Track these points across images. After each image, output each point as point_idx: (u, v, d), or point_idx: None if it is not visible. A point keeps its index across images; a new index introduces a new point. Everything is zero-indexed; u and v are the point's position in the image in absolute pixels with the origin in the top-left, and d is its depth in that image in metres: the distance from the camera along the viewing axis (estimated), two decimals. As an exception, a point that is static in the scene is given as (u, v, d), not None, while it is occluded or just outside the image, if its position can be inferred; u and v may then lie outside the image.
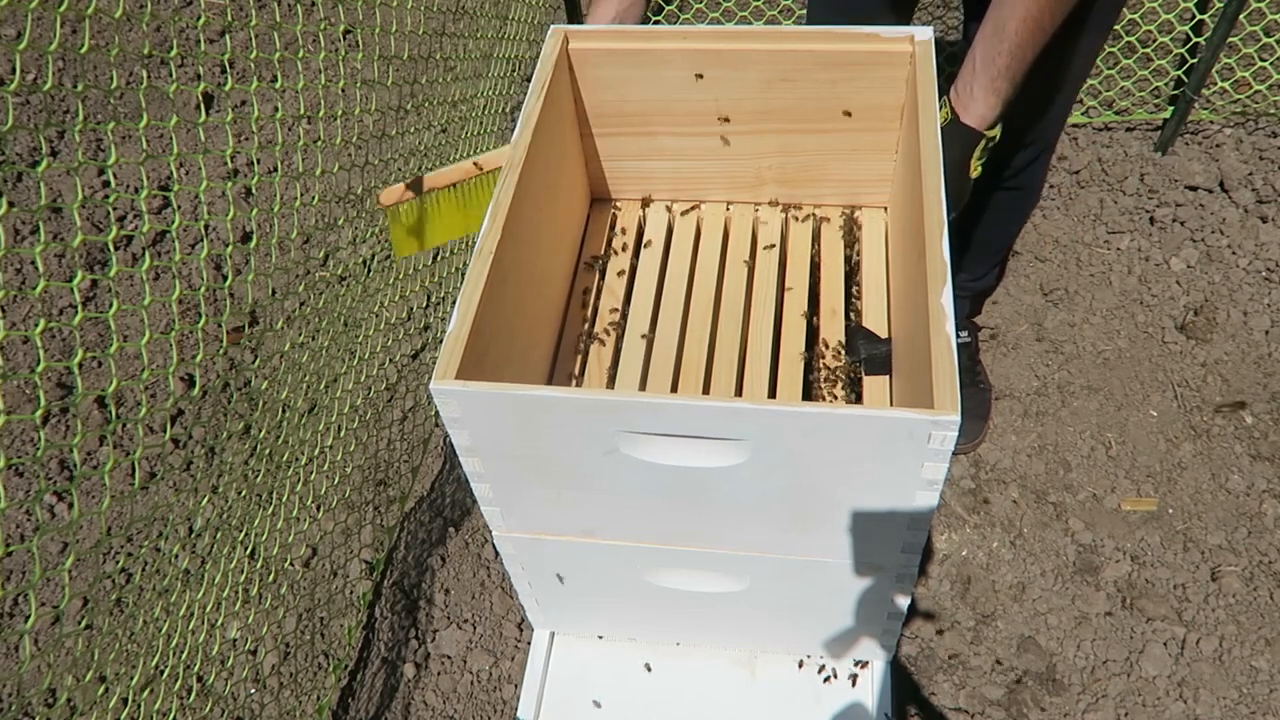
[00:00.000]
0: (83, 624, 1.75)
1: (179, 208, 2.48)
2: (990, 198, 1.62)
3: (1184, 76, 2.27)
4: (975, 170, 1.31)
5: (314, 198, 2.30)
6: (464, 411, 0.99)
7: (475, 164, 1.31)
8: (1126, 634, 1.62)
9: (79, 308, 2.16)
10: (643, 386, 1.27)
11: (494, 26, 2.35)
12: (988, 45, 1.22)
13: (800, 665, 1.47)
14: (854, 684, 1.45)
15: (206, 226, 2.37)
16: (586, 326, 1.37)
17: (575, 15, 2.47)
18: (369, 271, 2.19)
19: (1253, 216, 2.18)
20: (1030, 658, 1.61)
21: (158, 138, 2.63)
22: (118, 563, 1.83)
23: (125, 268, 2.28)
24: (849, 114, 1.31)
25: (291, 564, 1.76)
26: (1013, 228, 1.77)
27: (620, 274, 1.42)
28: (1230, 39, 2.23)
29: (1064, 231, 2.22)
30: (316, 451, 1.79)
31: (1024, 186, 1.62)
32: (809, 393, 1.27)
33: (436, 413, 2.01)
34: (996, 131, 1.30)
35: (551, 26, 1.28)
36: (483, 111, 2.32)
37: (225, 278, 2.26)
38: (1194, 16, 2.37)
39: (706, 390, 1.27)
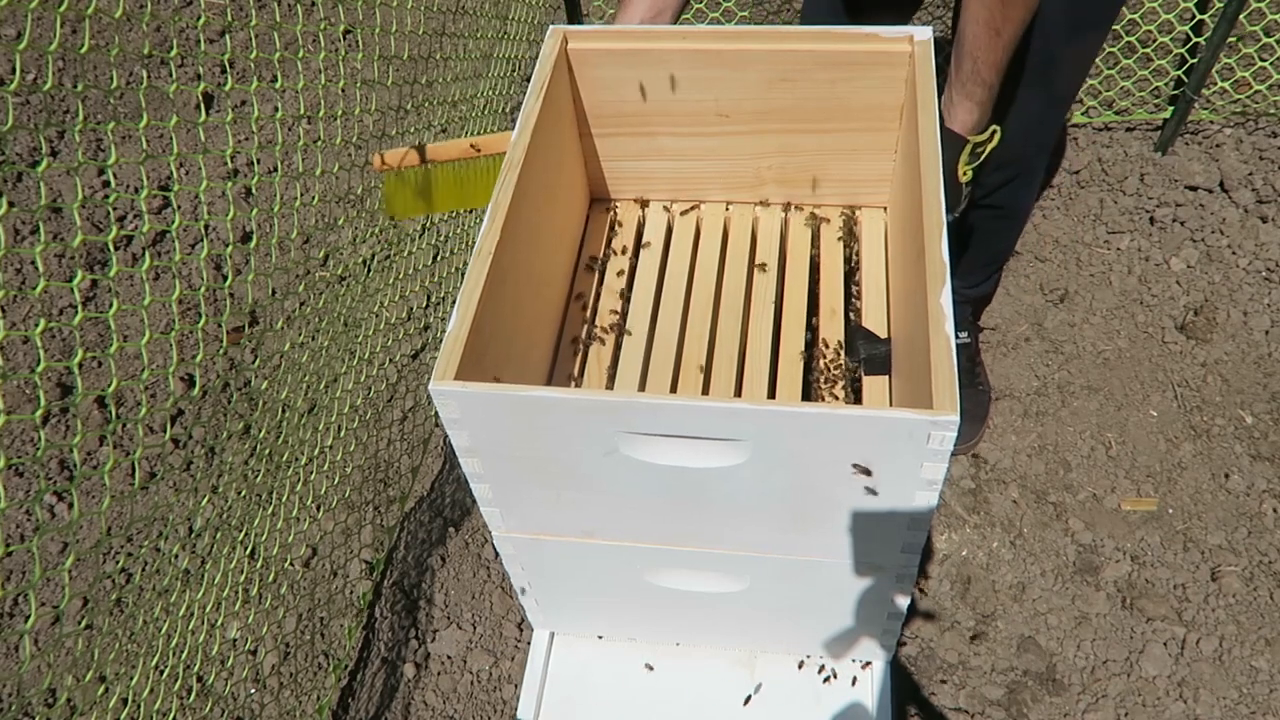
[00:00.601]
0: (83, 624, 1.75)
1: (179, 208, 2.48)
2: (969, 214, 1.62)
3: (1184, 76, 2.27)
4: (965, 175, 1.31)
5: (314, 198, 2.31)
6: (463, 412, 0.99)
7: (472, 145, 1.32)
8: (1126, 634, 1.62)
9: (79, 308, 2.16)
10: (642, 387, 1.27)
11: (494, 26, 2.35)
12: (956, 50, 1.23)
13: (800, 665, 1.47)
14: (854, 684, 1.45)
15: (206, 226, 2.37)
16: (586, 327, 1.37)
17: (575, 15, 2.47)
18: (369, 271, 2.19)
19: (1253, 216, 2.18)
20: (1030, 658, 1.61)
21: (158, 138, 2.63)
22: (118, 563, 1.83)
23: (125, 268, 2.28)
24: (848, 114, 1.31)
25: (291, 564, 1.76)
26: (998, 245, 1.75)
27: (620, 274, 1.42)
28: (1230, 39, 2.23)
29: (1064, 231, 2.22)
30: (316, 451, 1.79)
31: (1002, 206, 1.60)
32: (808, 393, 1.27)
33: (436, 413, 2.01)
34: (987, 136, 1.29)
35: (550, 26, 1.28)
36: (483, 111, 2.32)
37: (225, 278, 2.26)
38: (1194, 16, 2.37)
39: (706, 390, 1.27)
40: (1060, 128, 1.55)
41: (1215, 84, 2.36)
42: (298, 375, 1.80)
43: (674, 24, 1.38)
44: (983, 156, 1.33)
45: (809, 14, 1.63)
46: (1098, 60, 2.43)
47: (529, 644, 1.57)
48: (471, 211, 2.32)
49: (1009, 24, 1.17)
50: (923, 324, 0.97)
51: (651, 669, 1.50)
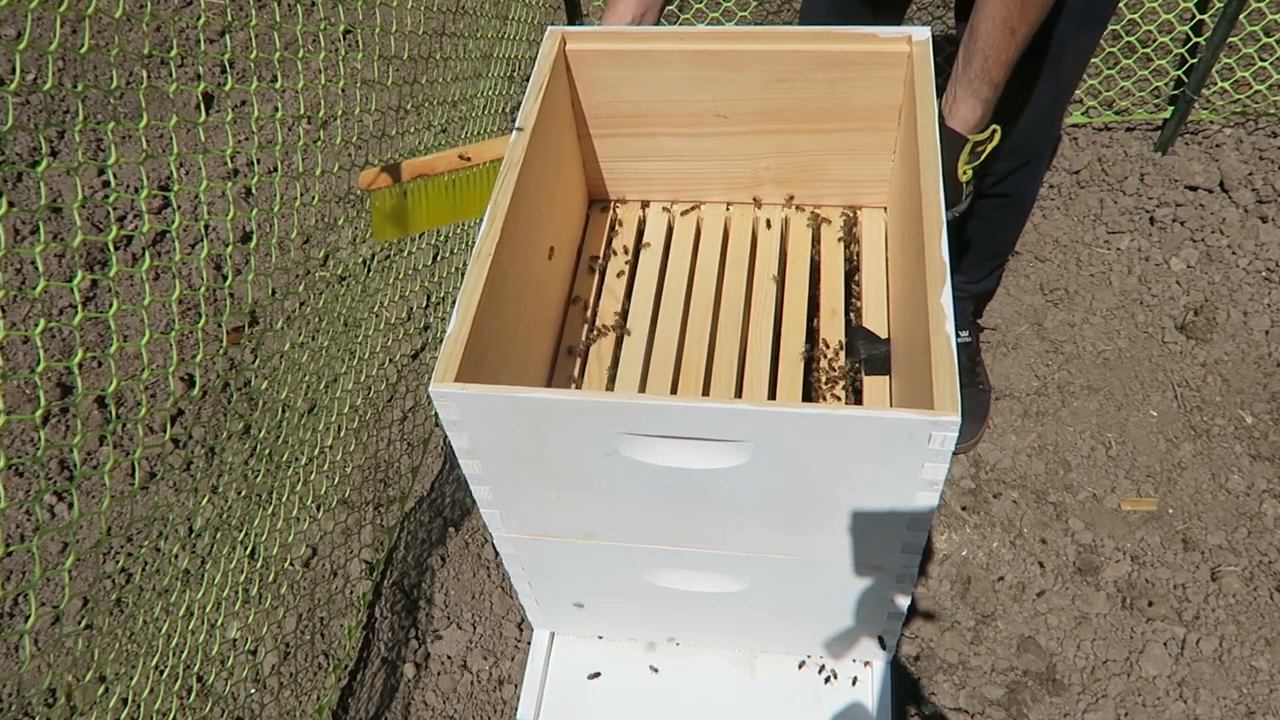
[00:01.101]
0: (83, 624, 1.75)
1: (179, 208, 2.48)
2: (975, 205, 1.62)
3: (1184, 76, 2.27)
4: (964, 174, 1.31)
5: (314, 198, 2.31)
6: (463, 414, 0.99)
7: (461, 155, 1.30)
8: (1126, 634, 1.62)
9: (79, 308, 2.16)
10: (642, 388, 1.27)
11: (494, 26, 2.35)
12: (965, 48, 1.22)
13: (800, 665, 1.47)
14: (854, 684, 1.45)
15: (206, 226, 2.37)
16: (586, 328, 1.37)
17: (575, 15, 2.47)
18: (369, 271, 2.19)
19: (1253, 216, 2.18)
20: (1030, 658, 1.61)
21: (158, 138, 2.63)
22: (118, 563, 1.83)
23: (125, 268, 2.28)
24: (848, 114, 1.31)
25: (291, 564, 1.76)
26: (1004, 236, 1.76)
27: (619, 275, 1.42)
28: (1230, 39, 2.23)
29: (1064, 231, 2.22)
30: (316, 451, 1.79)
31: (1009, 195, 1.61)
32: (809, 393, 1.27)
33: (436, 413, 2.01)
34: (987, 135, 1.29)
35: (549, 27, 1.28)
36: (482, 111, 2.32)
37: (225, 278, 2.26)
38: (1194, 16, 2.37)
39: (706, 391, 1.27)
40: (1063, 115, 1.57)
41: (1215, 84, 2.36)
42: (298, 375, 1.80)
43: (656, 23, 1.38)
44: (983, 156, 1.33)
45: (808, 14, 1.63)
46: (1097, 60, 2.44)
47: (529, 644, 1.57)
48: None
49: (1024, 24, 1.17)
50: (923, 324, 0.97)
51: (652, 669, 1.50)
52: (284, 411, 1.81)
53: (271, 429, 1.82)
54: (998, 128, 1.30)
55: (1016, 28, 1.17)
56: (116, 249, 2.34)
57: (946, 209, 1.31)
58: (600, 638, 1.53)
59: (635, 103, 1.34)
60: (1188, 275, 2.10)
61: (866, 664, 1.46)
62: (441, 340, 0.99)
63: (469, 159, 1.29)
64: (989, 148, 1.31)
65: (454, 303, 1.01)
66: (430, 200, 1.33)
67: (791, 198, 1.46)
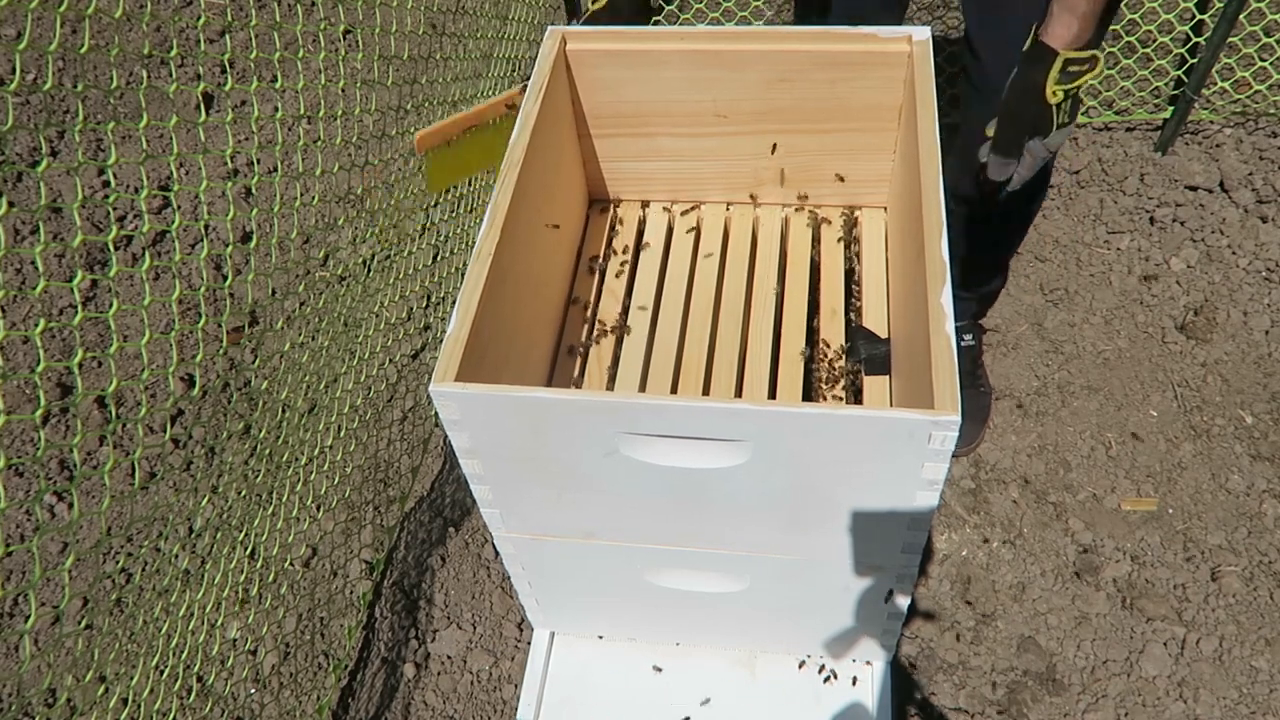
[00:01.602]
0: (83, 624, 1.75)
1: (179, 208, 2.48)
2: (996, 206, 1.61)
3: (1184, 76, 2.27)
4: (1054, 95, 1.23)
5: (314, 198, 2.30)
6: (463, 414, 0.99)
7: (508, 104, 1.38)
8: (1126, 634, 1.62)
9: (79, 308, 2.16)
10: (643, 387, 1.27)
11: (494, 26, 2.35)
12: None
13: (800, 665, 1.47)
14: (854, 684, 1.45)
15: (206, 226, 2.37)
16: (586, 328, 1.37)
17: (575, 15, 2.47)
18: (369, 271, 2.19)
19: (1253, 216, 2.18)
20: (1030, 658, 1.61)
21: (158, 138, 2.63)
22: (118, 563, 1.83)
23: (125, 268, 2.28)
24: (848, 114, 1.31)
25: (291, 564, 1.76)
26: (1015, 236, 1.76)
27: (619, 275, 1.42)
28: (1230, 39, 2.23)
29: (1064, 231, 2.22)
30: (316, 451, 1.79)
31: (1022, 191, 1.60)
32: (809, 393, 1.27)
33: (436, 413, 2.01)
34: (1088, 56, 1.20)
35: (549, 27, 1.28)
36: (482, 111, 2.32)
37: (225, 278, 2.26)
38: (1194, 16, 2.37)
39: (706, 391, 1.27)
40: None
41: (1215, 84, 2.36)
42: (298, 375, 1.80)
43: (645, 23, 1.39)
44: (1078, 81, 1.26)
45: (801, 13, 1.61)
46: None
47: (529, 644, 1.57)
48: (471, 210, 2.32)
49: None
50: (923, 324, 0.97)
51: (652, 669, 1.50)
52: (284, 411, 1.81)
53: (271, 429, 1.82)
54: (1099, 55, 1.24)
55: None
56: (116, 249, 2.34)
57: (1031, 137, 1.24)
58: (600, 638, 1.53)
59: (635, 103, 1.34)
60: (1188, 275, 2.10)
61: (867, 664, 1.46)
62: (441, 340, 1.00)
63: (515, 107, 1.35)
64: (1086, 77, 1.24)
65: (454, 303, 1.01)
66: (471, 148, 1.39)
67: (805, 196, 1.45)
